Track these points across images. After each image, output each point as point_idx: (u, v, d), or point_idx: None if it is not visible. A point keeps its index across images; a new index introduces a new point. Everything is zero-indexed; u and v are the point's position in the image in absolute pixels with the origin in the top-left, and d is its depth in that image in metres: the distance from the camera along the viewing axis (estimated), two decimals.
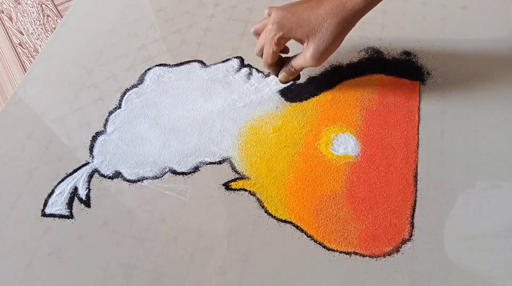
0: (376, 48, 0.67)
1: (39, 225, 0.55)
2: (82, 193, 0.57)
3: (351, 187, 0.54)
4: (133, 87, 0.67)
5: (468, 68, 0.64)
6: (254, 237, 0.52)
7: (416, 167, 0.55)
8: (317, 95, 0.63)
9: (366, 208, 0.52)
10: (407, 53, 0.66)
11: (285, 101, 0.63)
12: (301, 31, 0.53)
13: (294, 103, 0.62)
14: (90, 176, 0.58)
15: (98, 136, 0.62)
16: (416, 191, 0.53)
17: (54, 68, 0.71)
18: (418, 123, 0.59)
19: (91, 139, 0.62)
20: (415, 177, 0.54)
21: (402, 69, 0.64)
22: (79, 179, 0.58)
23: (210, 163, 0.58)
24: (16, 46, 0.92)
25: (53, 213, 0.56)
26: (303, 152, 0.57)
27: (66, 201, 0.56)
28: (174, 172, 0.58)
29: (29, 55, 0.88)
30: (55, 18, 0.95)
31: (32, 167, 0.60)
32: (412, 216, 0.52)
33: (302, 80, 0.64)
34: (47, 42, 0.76)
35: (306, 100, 0.63)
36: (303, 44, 0.55)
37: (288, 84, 0.64)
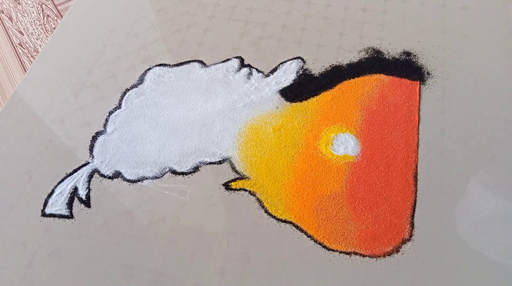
0: (376, 48, 0.67)
1: (39, 225, 0.55)
2: (82, 193, 0.57)
3: (351, 187, 0.54)
4: (133, 87, 0.67)
5: (468, 68, 0.64)
6: (254, 237, 0.52)
7: (416, 167, 0.55)
8: (317, 95, 0.63)
9: (366, 208, 0.52)
10: (407, 53, 0.66)
11: (285, 101, 0.63)
12: None
13: (294, 103, 0.62)
14: (90, 176, 0.58)
15: (98, 136, 0.62)
16: (416, 191, 0.53)
17: (54, 68, 0.71)
18: (418, 123, 0.59)
19: (91, 139, 0.62)
20: (415, 177, 0.54)
21: (402, 69, 0.64)
22: (79, 179, 0.58)
23: (210, 163, 0.58)
24: (16, 46, 0.92)
25: (53, 213, 0.56)
26: (303, 152, 0.57)
27: (66, 201, 0.56)
28: (174, 172, 0.58)
29: (29, 55, 0.88)
30: (55, 18, 0.95)
31: (32, 167, 0.60)
32: (412, 216, 0.52)
33: (302, 80, 0.64)
34: (47, 42, 0.76)
35: (306, 100, 0.63)
36: None
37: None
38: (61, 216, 0.55)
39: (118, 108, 0.65)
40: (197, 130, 0.61)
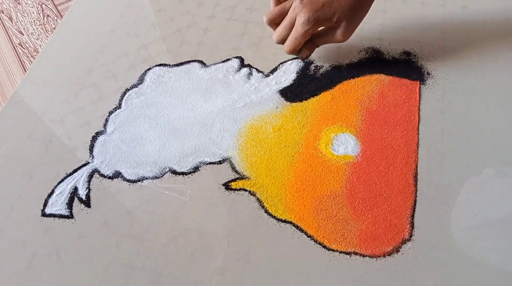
0: (376, 48, 0.67)
1: (39, 225, 0.55)
2: (82, 193, 0.57)
3: (351, 187, 0.54)
4: (133, 87, 0.67)
5: (468, 68, 0.64)
6: (254, 237, 0.52)
7: (416, 167, 0.55)
8: (317, 95, 0.63)
9: (366, 208, 0.52)
10: (407, 53, 0.66)
11: (285, 101, 0.63)
12: (330, 16, 0.56)
13: (294, 103, 0.62)
14: (90, 176, 0.58)
15: (98, 136, 0.62)
16: (416, 191, 0.53)
17: (54, 68, 0.71)
18: (418, 123, 0.59)
19: (91, 139, 0.62)
20: (415, 177, 0.54)
21: (402, 69, 0.64)
22: (79, 179, 0.58)
23: (210, 163, 0.58)
24: (16, 46, 0.92)
25: (53, 213, 0.56)
26: (303, 152, 0.57)
27: (66, 201, 0.56)
28: (174, 172, 0.58)
29: (29, 55, 0.88)
30: (55, 18, 0.95)
31: (32, 167, 0.60)
32: (412, 216, 0.52)
33: (302, 80, 0.64)
34: (47, 42, 0.76)
35: (306, 100, 0.63)
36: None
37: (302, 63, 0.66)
38: (61, 216, 0.55)
39: (118, 108, 0.65)
40: (197, 130, 0.61)
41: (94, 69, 0.70)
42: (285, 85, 0.64)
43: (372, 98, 0.62)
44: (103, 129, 0.63)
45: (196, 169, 0.58)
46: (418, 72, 0.64)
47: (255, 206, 0.54)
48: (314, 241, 0.51)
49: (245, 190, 0.55)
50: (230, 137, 0.60)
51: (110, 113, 0.65)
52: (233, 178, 0.57)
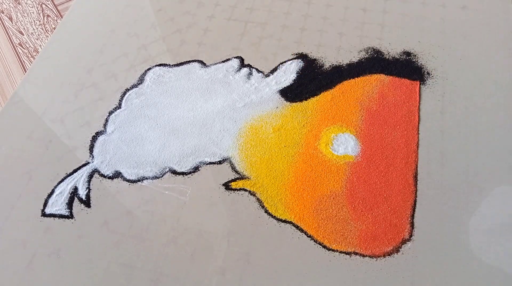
0: (376, 48, 0.67)
1: (39, 225, 0.55)
2: (82, 193, 0.57)
3: (351, 187, 0.54)
4: (133, 87, 0.67)
5: (468, 68, 0.64)
6: (254, 237, 0.52)
7: (416, 167, 0.55)
8: (317, 95, 0.63)
9: (366, 208, 0.52)
10: (407, 53, 0.66)
11: (285, 101, 0.63)
12: None
13: (294, 103, 0.62)
14: (90, 176, 0.58)
15: (98, 136, 0.62)
16: (416, 191, 0.53)
17: (54, 68, 0.71)
18: (418, 123, 0.59)
19: (91, 139, 0.62)
20: (415, 177, 0.54)
21: (402, 69, 0.64)
22: (79, 179, 0.58)
23: (210, 163, 0.58)
24: (16, 46, 0.92)
25: (53, 213, 0.56)
26: (303, 152, 0.57)
27: (66, 201, 0.56)
28: (174, 172, 0.58)
29: (29, 55, 0.88)
30: (55, 18, 0.95)
31: (32, 167, 0.60)
32: (412, 216, 0.52)
33: (302, 80, 0.64)
34: (47, 42, 0.76)
35: (306, 100, 0.63)
36: None
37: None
38: (61, 216, 0.55)
39: (118, 108, 0.65)
40: (197, 130, 0.61)
41: (94, 69, 0.70)
42: (285, 85, 0.64)
43: (372, 98, 0.62)
44: (103, 129, 0.63)
45: (196, 169, 0.58)
46: (418, 72, 0.64)
47: (255, 206, 0.54)
48: (314, 241, 0.51)
49: (245, 190, 0.55)
50: (230, 137, 0.60)
51: (110, 113, 0.65)
52: (233, 178, 0.57)
